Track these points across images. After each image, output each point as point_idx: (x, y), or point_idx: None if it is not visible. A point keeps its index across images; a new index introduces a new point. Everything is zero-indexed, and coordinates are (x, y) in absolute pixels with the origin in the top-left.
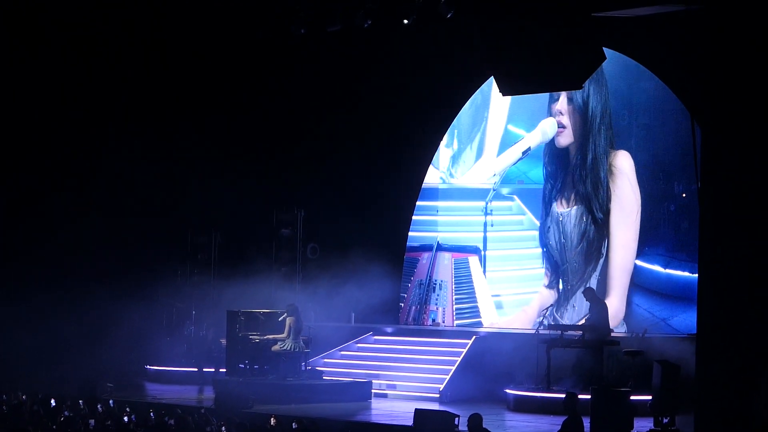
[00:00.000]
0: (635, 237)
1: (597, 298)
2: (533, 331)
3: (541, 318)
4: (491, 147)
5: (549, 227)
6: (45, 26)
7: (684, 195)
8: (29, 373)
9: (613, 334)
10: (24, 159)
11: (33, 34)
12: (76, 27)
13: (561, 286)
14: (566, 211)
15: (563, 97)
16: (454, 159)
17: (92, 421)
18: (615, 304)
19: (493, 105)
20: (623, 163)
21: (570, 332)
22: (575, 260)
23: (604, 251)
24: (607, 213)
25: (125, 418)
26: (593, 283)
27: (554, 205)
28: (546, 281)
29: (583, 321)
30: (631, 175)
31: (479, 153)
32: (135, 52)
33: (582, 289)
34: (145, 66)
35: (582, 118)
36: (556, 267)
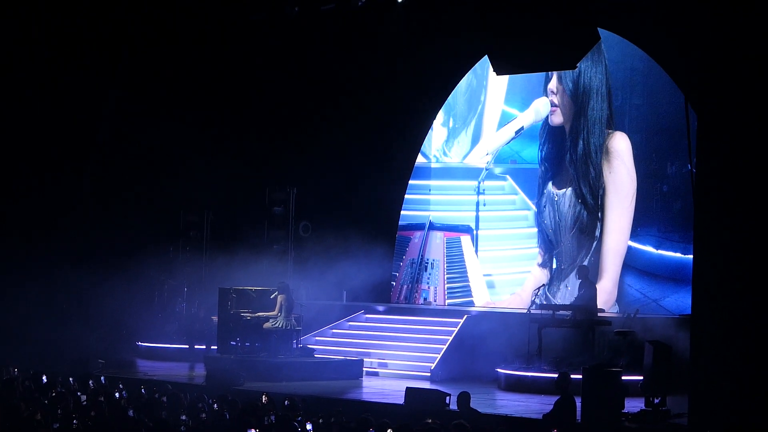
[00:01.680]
0: (629, 220)
1: (588, 279)
2: (525, 311)
3: (534, 297)
4: (489, 129)
5: (545, 206)
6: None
7: (685, 169)
8: (21, 349)
9: (604, 315)
10: (13, 144)
11: (26, 16)
12: (72, 6)
13: (554, 266)
14: (561, 192)
15: (555, 76)
16: (449, 139)
17: (84, 397)
18: (608, 286)
19: (491, 86)
20: (620, 145)
21: (561, 312)
22: (569, 241)
23: (597, 233)
24: (601, 195)
25: (116, 395)
26: (588, 263)
27: (549, 185)
28: (539, 260)
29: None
30: (627, 157)
31: (476, 135)
32: (129, 31)
33: (577, 267)
34: (137, 45)
35: (573, 97)
36: (551, 247)
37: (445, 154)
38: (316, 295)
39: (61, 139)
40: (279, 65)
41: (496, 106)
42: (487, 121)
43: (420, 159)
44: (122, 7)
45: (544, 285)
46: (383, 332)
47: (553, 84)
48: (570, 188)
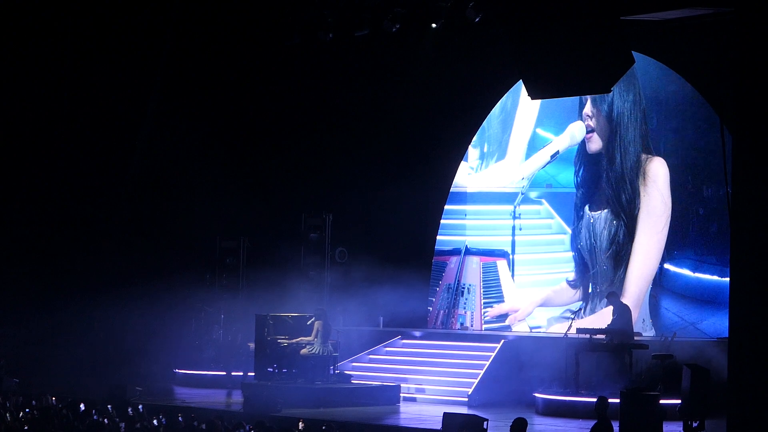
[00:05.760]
0: (659, 246)
1: (620, 302)
2: (561, 335)
3: (570, 321)
4: (516, 150)
5: (581, 230)
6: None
7: (721, 192)
8: (60, 377)
9: (641, 338)
10: (54, 169)
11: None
12: (102, 35)
13: (590, 289)
14: (597, 214)
15: (590, 100)
16: (483, 162)
17: (122, 425)
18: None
19: (521, 108)
20: (657, 171)
21: (598, 336)
22: (605, 263)
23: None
24: (634, 217)
25: (155, 422)
26: (617, 286)
27: (586, 208)
28: (572, 278)
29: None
30: (663, 183)
31: (501, 155)
32: (165, 57)
33: (606, 294)
34: (172, 69)
35: (609, 121)
36: (586, 269)
37: (479, 178)
38: (352, 321)
39: (98, 167)
40: (315, 91)
41: (526, 127)
42: (514, 141)
43: (455, 184)
44: (158, 28)
45: (581, 308)
46: (420, 357)
47: (588, 108)
48: (606, 209)
